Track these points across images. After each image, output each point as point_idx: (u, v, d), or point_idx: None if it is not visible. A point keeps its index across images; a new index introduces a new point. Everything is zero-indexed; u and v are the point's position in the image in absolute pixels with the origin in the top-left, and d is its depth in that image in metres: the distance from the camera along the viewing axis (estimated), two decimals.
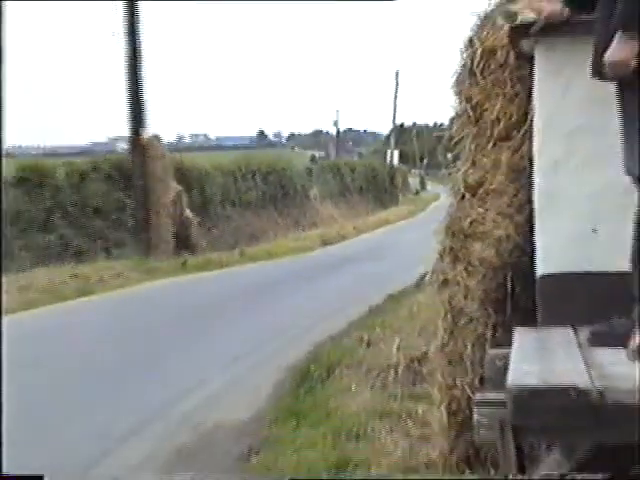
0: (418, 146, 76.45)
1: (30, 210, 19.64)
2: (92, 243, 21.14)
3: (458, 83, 5.62)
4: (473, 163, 5.50)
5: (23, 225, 19.34)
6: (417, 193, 67.58)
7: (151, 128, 22.21)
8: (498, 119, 5.38)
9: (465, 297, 5.51)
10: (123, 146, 27.90)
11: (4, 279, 16.16)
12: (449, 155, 6.02)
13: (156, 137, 22.46)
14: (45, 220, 20.06)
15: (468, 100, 5.51)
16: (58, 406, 8.35)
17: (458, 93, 5.60)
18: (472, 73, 5.49)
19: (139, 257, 20.32)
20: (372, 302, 13.66)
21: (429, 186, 69.35)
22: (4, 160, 20.36)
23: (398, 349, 8.99)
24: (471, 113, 5.49)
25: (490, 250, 5.34)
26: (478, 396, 3.92)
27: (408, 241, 24.41)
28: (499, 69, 5.42)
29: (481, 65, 5.45)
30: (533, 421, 3.33)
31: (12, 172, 19.62)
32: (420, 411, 7.03)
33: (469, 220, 5.47)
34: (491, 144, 5.41)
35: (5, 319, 13.06)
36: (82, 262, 19.14)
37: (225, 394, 8.81)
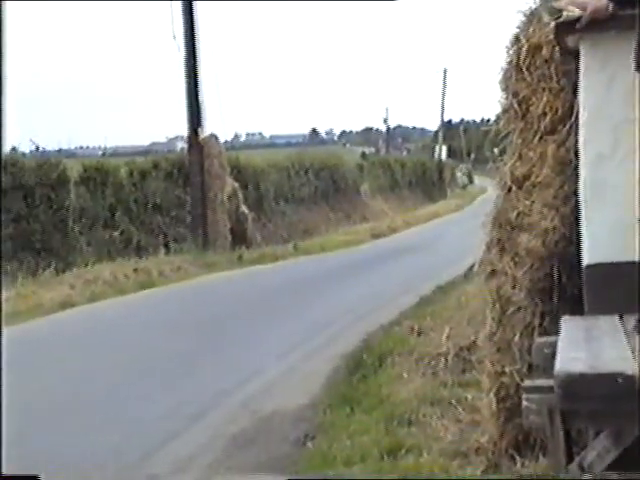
0: (465, 141, 75.93)
1: (94, 207, 19.84)
2: (153, 238, 21.30)
3: (505, 79, 5.60)
4: (520, 156, 5.47)
5: (88, 222, 19.53)
6: (464, 187, 67.11)
7: (208, 128, 22.35)
8: (544, 113, 5.35)
9: (513, 287, 5.49)
10: (182, 145, 28.11)
11: (73, 272, 16.44)
12: (496, 149, 5.98)
13: (213, 136, 22.56)
14: (108, 217, 20.25)
15: (515, 95, 5.48)
16: (129, 391, 8.45)
17: (505, 89, 5.57)
18: (519, 69, 5.46)
19: (197, 251, 20.46)
20: (422, 293, 13.59)
21: (476, 180, 68.86)
22: (68, 161, 20.64)
23: (448, 338, 8.97)
24: (518, 108, 5.46)
25: (537, 241, 5.31)
26: (527, 383, 3.91)
27: (456, 233, 24.25)
28: (545, 65, 5.38)
29: (527, 61, 5.42)
30: (581, 407, 3.31)
31: (77, 172, 19.84)
32: (469, 398, 6.98)
33: (516, 212, 5.45)
34: (537, 138, 5.38)
35: (73, 311, 13.39)
36: (143, 257, 19.31)
37: (282, 381, 8.85)
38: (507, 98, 5.53)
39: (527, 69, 5.41)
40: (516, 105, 5.44)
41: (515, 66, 5.47)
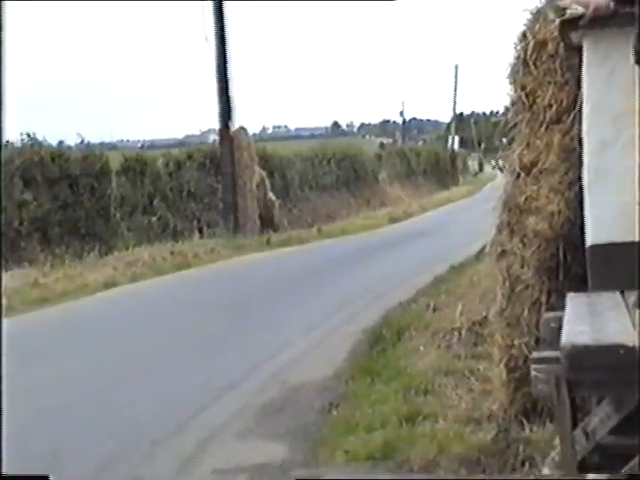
0: (476, 132, 75.50)
1: (134, 195, 19.94)
2: (188, 223, 21.39)
3: (513, 73, 5.58)
4: (527, 145, 5.46)
5: (128, 209, 19.66)
6: (475, 174, 66.75)
7: (238, 121, 22.35)
8: (550, 105, 5.34)
9: (521, 266, 5.49)
10: (214, 138, 28.13)
11: (114, 255, 16.53)
12: (505, 139, 5.96)
13: (242, 129, 22.57)
14: (147, 204, 20.37)
15: (522, 88, 5.46)
16: (167, 364, 8.53)
17: (513, 82, 5.55)
18: (526, 64, 5.45)
19: (229, 235, 20.51)
20: (437, 272, 13.58)
21: (486, 168, 68.53)
22: (110, 153, 20.74)
23: (461, 314, 8.97)
24: (525, 100, 5.44)
25: (543, 223, 5.31)
26: (535, 354, 3.91)
27: (468, 217, 24.07)
28: (550, 59, 5.36)
29: (534, 56, 5.40)
30: (585, 376, 3.31)
31: (118, 163, 19.95)
32: (481, 369, 6.99)
33: (524, 197, 5.44)
34: (544, 127, 5.37)
35: (115, 290, 13.51)
36: (179, 240, 19.39)
37: (308, 354, 8.88)
38: (515, 91, 5.52)
39: (534, 64, 5.40)
40: (524, 97, 5.42)
41: (522, 61, 5.45)
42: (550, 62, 5.37)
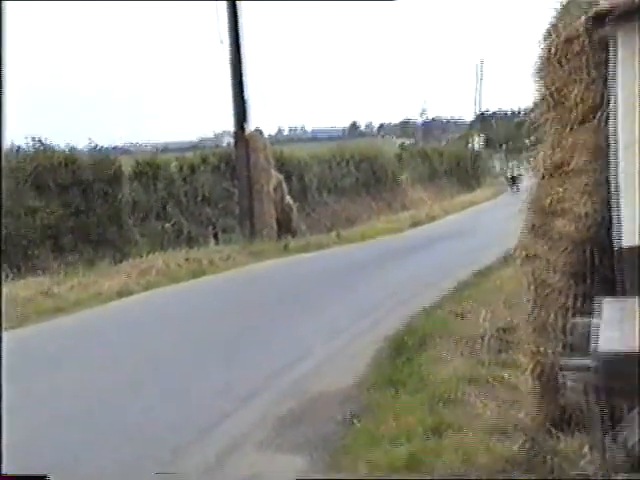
0: (499, 132, 75.26)
1: (147, 201, 20.03)
2: (202, 229, 21.47)
3: (538, 71, 5.59)
4: (554, 145, 5.46)
5: (141, 214, 19.75)
6: (499, 176, 66.53)
7: (253, 123, 22.40)
8: (577, 103, 5.32)
9: (548, 270, 5.48)
10: (229, 140, 28.21)
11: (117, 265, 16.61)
12: (530, 139, 5.97)
13: (258, 131, 22.62)
14: (160, 209, 20.45)
15: (548, 87, 5.46)
16: (186, 371, 8.59)
17: (539, 80, 5.55)
18: (551, 62, 5.44)
19: (245, 241, 20.55)
20: (461, 277, 13.59)
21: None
22: (120, 157, 20.84)
23: (485, 320, 8.96)
24: (551, 99, 5.44)
25: (571, 225, 5.29)
26: (564, 361, 3.92)
27: (492, 220, 24.14)
28: (577, 57, 5.34)
29: (560, 54, 5.39)
30: (616, 384, 3.31)
31: (130, 167, 20.05)
32: (507, 376, 6.99)
33: (550, 198, 5.44)
34: (570, 127, 5.36)
35: (128, 299, 13.58)
36: (194, 247, 19.45)
37: (329, 363, 8.89)
38: (541, 90, 5.52)
39: (559, 62, 5.39)
40: (549, 96, 5.42)
41: (548, 59, 5.45)
42: (577, 60, 5.35)
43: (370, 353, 9.02)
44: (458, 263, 15.90)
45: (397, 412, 6.55)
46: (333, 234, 23.78)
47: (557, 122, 5.40)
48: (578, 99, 5.31)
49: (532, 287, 5.69)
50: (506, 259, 11.62)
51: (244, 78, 21.76)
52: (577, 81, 5.34)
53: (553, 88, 5.41)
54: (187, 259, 17.60)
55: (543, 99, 5.48)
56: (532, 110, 5.75)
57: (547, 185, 5.50)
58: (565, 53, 5.38)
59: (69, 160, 18.06)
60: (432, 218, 30.25)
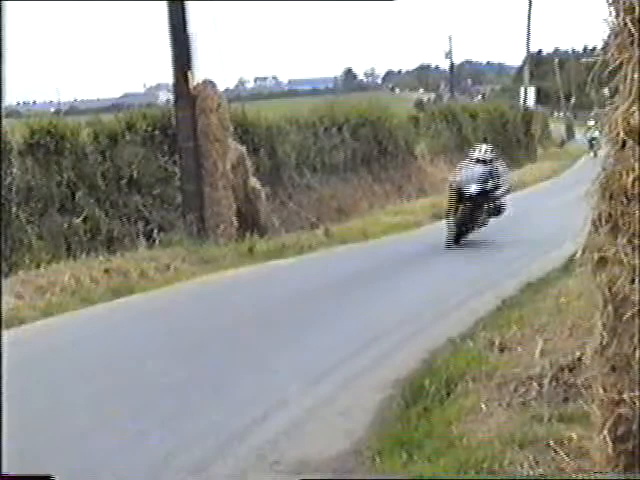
0: (562, 81, 75.61)
1: (46, 186, 19.95)
2: (129, 226, 21.40)
3: None
4: (638, 98, 5.44)
5: (38, 206, 19.65)
6: (562, 144, 66.95)
7: (202, 72, 22.36)
8: None
9: (631, 281, 5.47)
10: (166, 97, 28.20)
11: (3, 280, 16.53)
12: (605, 90, 5.94)
13: (209, 83, 22.56)
14: (66, 198, 20.37)
15: (628, 11, 5.44)
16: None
17: (614, 2, 5.53)
18: None
19: (191, 243, 20.52)
20: (504, 292, 13.65)
21: (578, 134, 68.60)
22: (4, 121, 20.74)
23: (542, 354, 8.97)
24: (633, 29, 5.42)
25: None
26: None
27: (551, 209, 24.33)
28: None
29: None
30: None
31: (20, 137, 19.93)
32: (575, 437, 6.99)
33: (633, 176, 5.42)
34: None
35: (22, 328, 13.53)
36: (117, 252, 19.39)
37: (312, 420, 8.92)
38: (617, 16, 5.50)
39: None
40: (631, 25, 5.40)
41: None
42: None
43: (373, 404, 9.06)
44: (500, 272, 15.95)
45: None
46: (320, 231, 23.80)
47: None
48: None
49: (609, 306, 5.67)
50: (570, 266, 11.66)
51: (186, 6, 21.72)
52: None
53: (637, 13, 5.39)
54: (107, 270, 17.54)
55: (622, 30, 5.46)
56: (606, 46, 5.73)
57: (629, 157, 5.48)
58: None
59: None
60: None
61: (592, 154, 43.21)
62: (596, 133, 40.82)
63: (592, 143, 45.49)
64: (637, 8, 5.37)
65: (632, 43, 5.42)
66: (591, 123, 43.62)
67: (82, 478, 7.57)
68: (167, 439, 8.57)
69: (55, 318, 14.52)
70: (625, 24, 5.43)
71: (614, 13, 5.54)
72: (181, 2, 21.66)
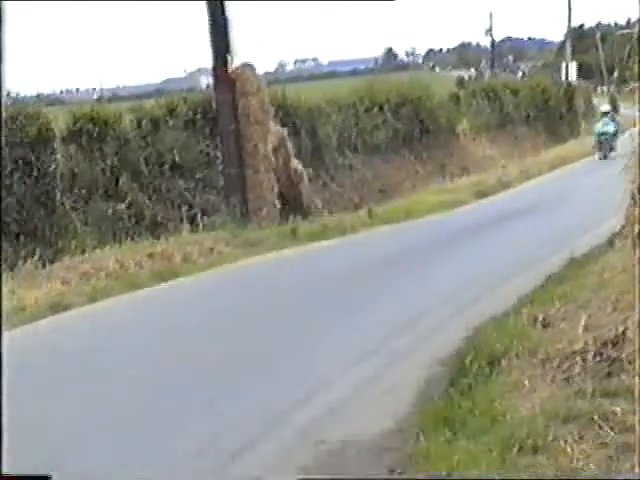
0: (605, 54, 74.98)
1: (90, 172, 20.02)
2: (172, 211, 21.46)
3: None
4: None
5: (82, 192, 19.74)
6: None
7: (241, 55, 22.35)
8: None
9: None
10: (207, 81, 28.20)
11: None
12: None
13: (249, 66, 22.55)
14: (110, 184, 20.45)
15: None
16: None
17: None
18: None
19: (234, 227, 20.53)
20: (548, 269, 13.61)
21: (623, 108, 68.03)
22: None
23: (585, 329, 8.93)
24: None
25: None
26: None
27: (596, 185, 24.16)
28: None
29: None
30: None
31: (64, 124, 20.01)
32: (619, 411, 6.96)
33: None
34: None
35: (67, 315, 13.61)
36: (161, 236, 19.43)
37: (356, 399, 8.97)
38: None
39: None
40: None
41: None
42: None
43: (417, 382, 9.08)
44: (545, 249, 15.92)
45: (453, 464, 6.55)
46: (362, 212, 23.76)
47: None
48: None
49: None
50: (614, 241, 11.60)
51: None
52: None
53: None
54: (151, 254, 17.59)
55: None
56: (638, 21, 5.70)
57: None
58: None
59: None
60: (506, 185, 30.12)
61: (597, 156, 36.82)
62: (608, 127, 37.80)
63: (601, 140, 37.21)
64: None
65: None
66: (605, 108, 41.04)
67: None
68: (211, 422, 8.64)
69: (100, 303, 14.59)
70: None
71: None
72: None
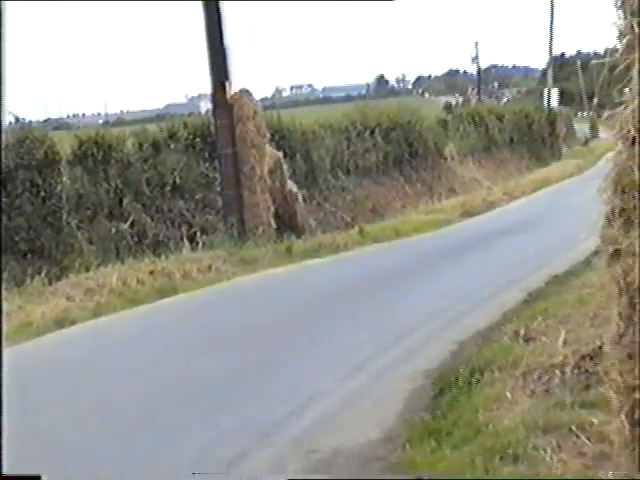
0: (585, 81, 75.23)
1: (95, 193, 20.05)
2: (173, 230, 21.48)
3: None
4: None
5: (87, 212, 19.76)
6: (586, 143, 66.53)
7: (239, 82, 22.38)
8: None
9: None
10: (206, 106, 28.24)
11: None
12: (627, 89, 5.89)
13: (246, 92, 22.56)
14: (113, 204, 20.47)
15: (635, 14, 5.41)
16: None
17: (621, 5, 5.50)
18: None
19: (232, 245, 20.55)
20: (531, 286, 13.67)
21: (603, 133, 68.25)
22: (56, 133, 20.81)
23: (565, 343, 8.95)
24: (637, 30, 5.39)
25: None
26: None
27: (575, 206, 24.11)
28: None
29: None
30: None
31: (70, 147, 20.05)
32: (595, 422, 6.95)
33: None
34: None
35: (74, 329, 13.60)
36: (162, 255, 19.43)
37: (346, 410, 8.96)
38: (625, 17, 5.46)
39: None
40: (637, 26, 5.36)
41: None
42: None
43: (404, 394, 9.09)
44: (528, 266, 15.96)
45: (438, 473, 6.55)
46: (354, 231, 23.78)
47: None
48: None
49: (624, 296, 5.65)
50: (594, 260, 11.62)
51: (223, 19, 21.74)
52: None
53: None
54: (152, 272, 17.60)
55: (629, 30, 5.42)
56: (614, 50, 5.70)
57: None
58: None
59: None
60: (491, 205, 30.27)
61: None
62: None
63: None
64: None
65: (635, 45, 5.39)
66: None
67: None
68: (209, 431, 8.63)
69: (104, 318, 14.59)
70: (632, 26, 5.40)
71: (622, 14, 5.51)
72: (218, 16, 21.69)
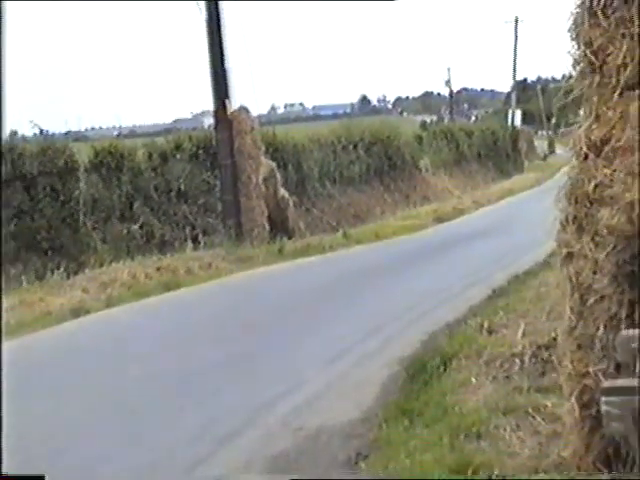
0: (544, 103, 75.31)
1: (109, 198, 20.00)
2: (178, 231, 21.42)
3: (576, 25, 5.51)
4: (597, 117, 5.41)
5: (101, 215, 19.71)
6: (545, 158, 66.62)
7: (238, 100, 22.39)
8: (624, 64, 5.26)
9: (594, 272, 5.43)
10: (209, 122, 28.19)
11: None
12: (581, 110, 5.89)
13: (244, 109, 22.59)
14: (125, 208, 20.42)
15: (588, 44, 5.40)
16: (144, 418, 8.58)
17: (576, 37, 5.50)
18: (592, 12, 5.38)
19: (230, 245, 20.55)
20: (495, 284, 13.67)
21: (559, 149, 68.34)
22: (77, 144, 20.79)
23: (523, 335, 8.96)
24: (592, 59, 5.38)
25: (620, 217, 5.23)
26: (607, 383, 3.89)
27: (535, 213, 24.08)
28: (624, 6, 5.29)
29: (602, 2, 5.33)
30: None
31: (87, 157, 20.01)
32: (549, 405, 6.97)
33: (594, 183, 5.38)
34: (617, 94, 5.30)
35: (88, 318, 13.59)
36: (167, 253, 19.43)
37: (329, 393, 8.93)
38: (579, 48, 5.46)
39: (602, 12, 5.33)
40: (590, 55, 5.36)
41: (588, 9, 5.39)
42: (624, 9, 5.29)
43: (381, 379, 9.07)
44: (493, 267, 15.96)
45: (410, 449, 6.54)
46: (339, 234, 23.79)
47: (600, 88, 5.35)
48: (626, 59, 5.24)
49: (575, 293, 5.65)
50: (550, 261, 11.63)
51: (224, 44, 21.74)
52: (625, 36, 5.27)
53: (595, 46, 5.34)
54: (159, 268, 17.61)
55: (582, 60, 5.43)
56: (570, 76, 5.70)
57: (590, 167, 5.45)
58: (610, 1, 5.33)
59: (8, 148, 17.95)
60: (460, 212, 30.30)
61: None
62: None
63: None
64: (595, 42, 5.35)
65: (591, 71, 5.40)
66: None
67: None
68: (208, 411, 8.61)
69: (115, 309, 14.60)
70: (585, 55, 5.41)
71: (576, 45, 5.52)
72: (219, 41, 21.69)
